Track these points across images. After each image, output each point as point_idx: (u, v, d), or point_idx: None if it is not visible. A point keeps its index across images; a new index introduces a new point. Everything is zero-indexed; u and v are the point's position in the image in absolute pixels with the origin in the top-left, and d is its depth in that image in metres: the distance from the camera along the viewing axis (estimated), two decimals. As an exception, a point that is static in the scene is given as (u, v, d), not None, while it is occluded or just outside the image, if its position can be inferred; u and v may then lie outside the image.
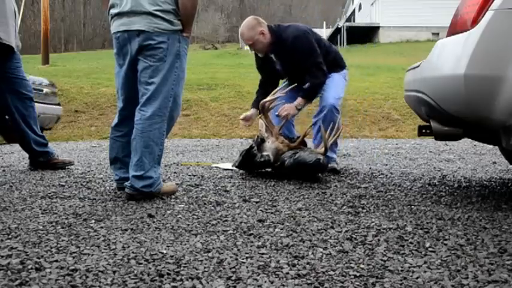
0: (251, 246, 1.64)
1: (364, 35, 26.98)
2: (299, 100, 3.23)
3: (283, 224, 1.94)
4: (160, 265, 1.45)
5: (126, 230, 1.83)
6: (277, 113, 3.26)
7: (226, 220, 1.99)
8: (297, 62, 3.24)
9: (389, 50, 22.51)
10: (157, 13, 2.31)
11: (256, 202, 2.35)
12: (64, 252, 1.55)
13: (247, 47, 3.62)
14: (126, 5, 2.36)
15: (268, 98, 3.16)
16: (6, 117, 3.42)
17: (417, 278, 1.36)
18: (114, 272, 1.39)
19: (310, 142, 3.33)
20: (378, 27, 26.67)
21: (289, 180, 2.91)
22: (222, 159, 4.09)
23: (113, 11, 2.43)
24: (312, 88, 3.25)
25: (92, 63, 14.87)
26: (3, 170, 3.35)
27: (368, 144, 5.87)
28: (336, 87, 3.31)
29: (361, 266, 1.46)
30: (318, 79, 3.24)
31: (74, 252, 1.55)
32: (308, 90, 3.24)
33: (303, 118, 4.21)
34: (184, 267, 1.44)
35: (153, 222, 1.96)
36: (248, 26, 3.29)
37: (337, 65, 3.44)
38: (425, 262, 1.49)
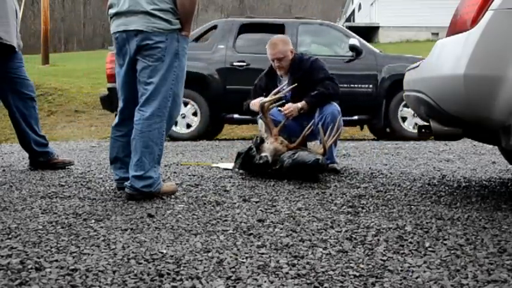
0: (251, 246, 1.65)
1: (364, 35, 26.93)
2: (303, 103, 3.25)
3: (283, 223, 1.94)
4: (160, 265, 1.45)
5: (126, 230, 1.83)
6: (282, 110, 3.25)
7: (226, 220, 1.99)
8: (311, 82, 3.25)
9: (389, 50, 22.51)
10: (155, 12, 2.31)
11: (256, 202, 2.35)
12: (64, 252, 1.55)
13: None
14: (123, 5, 2.35)
15: (268, 99, 3.16)
16: None
17: (417, 277, 1.37)
18: (114, 272, 1.39)
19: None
20: (377, 27, 26.67)
21: (289, 180, 2.91)
22: (221, 159, 4.09)
23: (112, 11, 2.43)
24: (319, 95, 3.26)
25: (92, 63, 14.87)
26: (3, 170, 3.35)
27: (368, 144, 5.87)
28: (335, 104, 3.35)
29: (361, 265, 1.46)
30: (328, 90, 3.29)
31: (74, 252, 1.55)
32: (315, 96, 3.26)
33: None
34: (184, 267, 1.44)
35: (153, 222, 1.96)
36: (283, 40, 3.41)
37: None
38: (424, 262, 1.49)
